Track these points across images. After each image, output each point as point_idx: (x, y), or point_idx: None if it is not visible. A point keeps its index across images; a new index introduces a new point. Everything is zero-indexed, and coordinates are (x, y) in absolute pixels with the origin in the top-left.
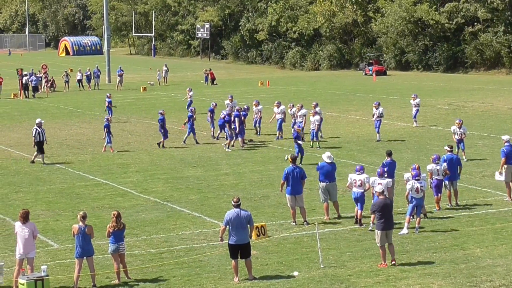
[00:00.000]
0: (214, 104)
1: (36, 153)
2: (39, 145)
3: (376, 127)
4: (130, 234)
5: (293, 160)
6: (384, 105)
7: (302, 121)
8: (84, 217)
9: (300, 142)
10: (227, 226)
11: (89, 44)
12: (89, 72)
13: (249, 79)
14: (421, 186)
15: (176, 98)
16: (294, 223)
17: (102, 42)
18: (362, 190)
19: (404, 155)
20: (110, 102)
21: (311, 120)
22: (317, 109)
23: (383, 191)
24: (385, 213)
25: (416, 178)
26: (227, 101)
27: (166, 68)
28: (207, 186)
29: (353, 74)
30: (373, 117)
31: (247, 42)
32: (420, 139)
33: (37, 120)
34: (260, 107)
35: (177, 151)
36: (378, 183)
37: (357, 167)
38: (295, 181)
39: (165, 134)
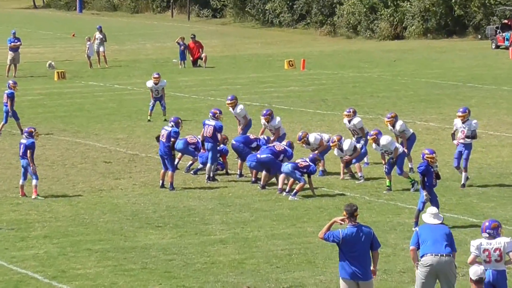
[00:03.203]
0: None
1: None
2: None
3: (457, 156)
4: None
5: (352, 213)
6: None
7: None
8: None
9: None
10: None
11: None
12: None
13: (266, 56)
14: None
15: (122, 92)
16: None
17: None
18: None
19: None
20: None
21: (373, 147)
22: (398, 124)
23: (481, 279)
24: None
25: None
26: (239, 108)
27: (101, 36)
28: (184, 266)
29: (470, 47)
30: (452, 137)
31: None
32: None
33: None
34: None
35: (126, 197)
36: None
37: (487, 223)
38: (358, 255)
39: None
